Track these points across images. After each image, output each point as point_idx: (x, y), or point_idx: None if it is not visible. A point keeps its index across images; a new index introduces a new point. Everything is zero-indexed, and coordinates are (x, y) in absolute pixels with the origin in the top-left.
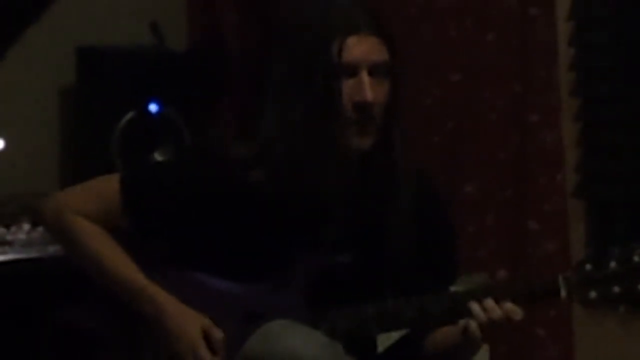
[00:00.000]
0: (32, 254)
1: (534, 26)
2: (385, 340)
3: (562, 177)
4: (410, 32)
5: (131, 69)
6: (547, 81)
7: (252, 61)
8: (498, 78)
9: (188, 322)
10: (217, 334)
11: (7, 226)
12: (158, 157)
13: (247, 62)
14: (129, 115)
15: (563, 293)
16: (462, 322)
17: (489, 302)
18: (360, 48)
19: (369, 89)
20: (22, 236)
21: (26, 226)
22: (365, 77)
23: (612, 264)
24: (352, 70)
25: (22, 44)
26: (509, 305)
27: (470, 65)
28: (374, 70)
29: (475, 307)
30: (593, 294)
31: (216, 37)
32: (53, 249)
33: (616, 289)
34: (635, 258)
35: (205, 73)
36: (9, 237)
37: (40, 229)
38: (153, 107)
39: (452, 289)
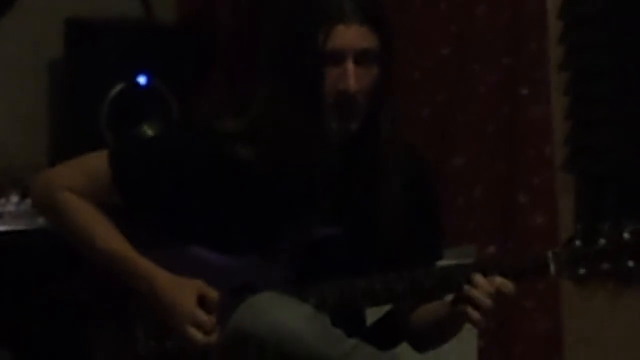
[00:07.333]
0: (21, 225)
1: None
2: (374, 313)
3: (551, 150)
4: (400, 5)
5: (120, 41)
6: (537, 54)
7: (243, 34)
8: (488, 51)
9: (181, 291)
10: (212, 293)
11: None
12: (146, 129)
13: (237, 35)
14: (118, 87)
15: (552, 269)
16: (450, 296)
17: (479, 277)
18: (347, 36)
19: (352, 79)
20: (11, 208)
21: (15, 198)
22: (350, 66)
23: (602, 241)
24: (338, 58)
25: (11, 16)
26: (499, 280)
27: (460, 39)
28: (361, 58)
29: (465, 281)
30: (582, 271)
31: (206, 10)
32: (42, 221)
33: (605, 265)
34: (625, 235)
35: (195, 46)
36: None
37: (29, 200)
38: (142, 80)
39: (442, 263)
